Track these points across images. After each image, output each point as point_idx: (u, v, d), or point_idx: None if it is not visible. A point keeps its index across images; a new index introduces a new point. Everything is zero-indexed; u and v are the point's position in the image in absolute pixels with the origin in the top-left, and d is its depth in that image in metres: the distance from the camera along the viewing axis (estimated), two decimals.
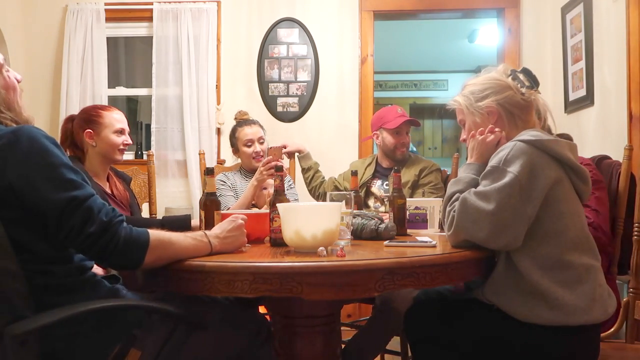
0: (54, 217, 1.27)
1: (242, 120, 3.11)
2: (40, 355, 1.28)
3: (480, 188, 1.59)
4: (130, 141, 2.41)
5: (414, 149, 6.09)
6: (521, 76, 1.74)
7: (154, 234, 1.38)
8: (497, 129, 1.72)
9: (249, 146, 2.96)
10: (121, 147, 2.37)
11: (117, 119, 2.38)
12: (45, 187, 1.27)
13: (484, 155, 1.72)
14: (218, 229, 1.58)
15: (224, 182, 2.93)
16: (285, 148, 3.24)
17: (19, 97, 1.46)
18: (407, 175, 2.91)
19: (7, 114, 1.40)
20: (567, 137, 1.79)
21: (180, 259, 1.41)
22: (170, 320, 1.45)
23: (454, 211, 1.60)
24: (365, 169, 3.07)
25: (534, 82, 1.74)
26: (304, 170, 3.23)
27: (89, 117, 2.35)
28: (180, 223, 2.15)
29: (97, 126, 2.33)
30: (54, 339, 1.30)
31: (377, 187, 3.02)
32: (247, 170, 3.05)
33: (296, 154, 3.31)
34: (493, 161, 1.60)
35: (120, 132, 2.37)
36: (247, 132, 2.98)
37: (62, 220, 1.28)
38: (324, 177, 3.17)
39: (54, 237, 1.30)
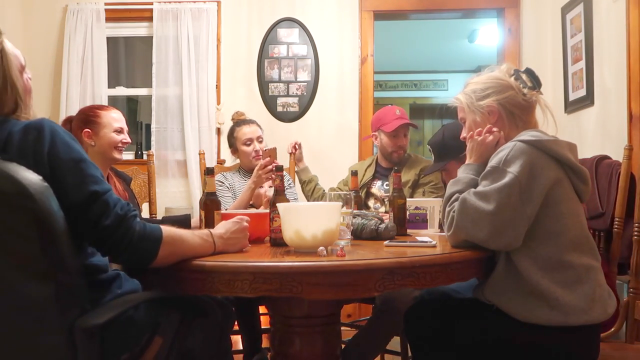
0: (74, 210, 1.29)
1: (240, 120, 3.11)
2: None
3: (480, 188, 1.59)
4: (129, 139, 2.41)
5: None
6: (524, 76, 1.74)
7: (167, 230, 1.40)
8: (495, 129, 1.72)
9: (248, 145, 2.97)
10: (119, 145, 2.36)
11: (115, 118, 2.39)
12: (68, 181, 1.29)
13: (483, 155, 1.72)
14: (222, 228, 1.59)
15: (222, 182, 2.92)
16: (297, 143, 3.34)
17: (31, 99, 1.49)
18: (408, 175, 2.91)
19: (26, 114, 1.43)
20: None
21: (188, 258, 1.43)
22: (180, 309, 1.50)
23: (454, 211, 1.60)
24: (365, 170, 3.07)
25: (536, 83, 1.74)
26: (304, 183, 3.27)
27: (87, 118, 2.35)
28: (180, 224, 2.14)
29: (96, 126, 2.33)
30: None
31: (377, 187, 3.02)
32: (245, 170, 3.05)
33: (295, 167, 3.35)
34: (493, 161, 1.60)
35: (119, 131, 2.37)
36: (246, 131, 2.98)
37: (80, 213, 1.30)
38: (324, 190, 3.18)
39: (72, 230, 1.32)
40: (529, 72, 1.75)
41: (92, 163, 1.36)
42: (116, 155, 2.37)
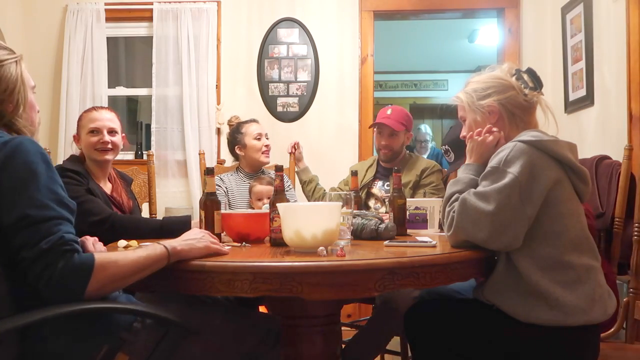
0: (4, 232, 1.22)
1: (244, 121, 3.15)
2: (21, 356, 1.27)
3: (480, 188, 1.59)
4: (107, 140, 2.24)
5: (436, 148, 5.72)
6: (525, 77, 1.74)
7: (98, 259, 1.26)
8: (495, 129, 1.72)
9: (259, 139, 2.98)
10: (98, 146, 2.23)
11: (92, 118, 2.28)
12: (10, 199, 1.23)
13: (484, 155, 1.72)
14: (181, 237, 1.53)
15: (219, 186, 2.92)
16: (296, 143, 3.36)
17: (36, 117, 1.48)
18: (409, 175, 2.90)
19: (27, 126, 1.42)
20: None
21: (137, 274, 1.33)
22: (162, 325, 1.40)
23: (454, 211, 1.60)
24: (366, 170, 3.06)
25: (537, 84, 1.73)
26: (305, 184, 3.27)
27: (78, 121, 2.35)
28: (180, 225, 2.12)
29: (79, 129, 2.31)
30: (35, 339, 1.28)
31: (378, 187, 3.02)
32: (246, 171, 3.04)
33: (295, 167, 3.36)
34: (493, 162, 1.60)
35: (95, 131, 2.25)
36: (255, 127, 3.04)
37: (8, 237, 1.22)
38: (325, 190, 3.18)
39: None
40: (531, 72, 1.75)
41: (49, 188, 1.26)
42: (97, 157, 2.24)
